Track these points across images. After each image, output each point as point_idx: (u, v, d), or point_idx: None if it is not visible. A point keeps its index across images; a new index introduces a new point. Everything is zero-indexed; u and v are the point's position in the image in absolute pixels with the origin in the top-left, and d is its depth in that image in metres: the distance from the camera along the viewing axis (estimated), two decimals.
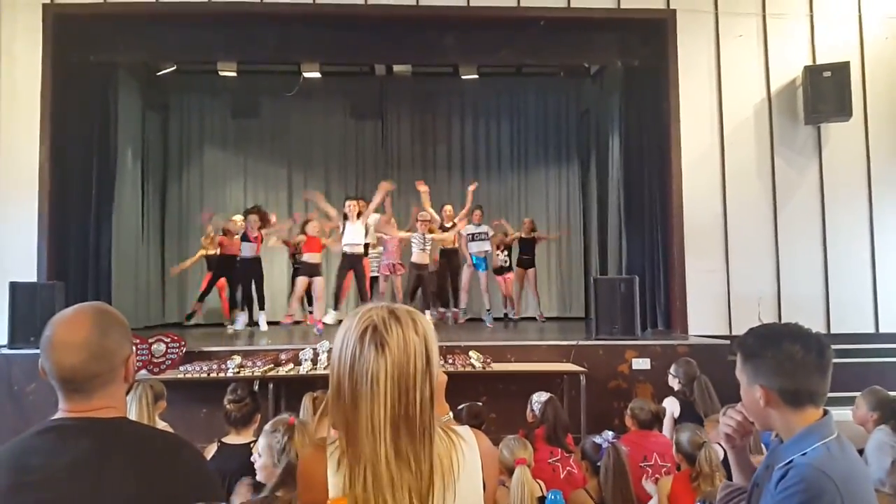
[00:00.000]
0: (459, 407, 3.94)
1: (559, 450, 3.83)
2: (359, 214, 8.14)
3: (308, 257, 8.49)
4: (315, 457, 1.40)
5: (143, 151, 10.56)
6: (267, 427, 2.71)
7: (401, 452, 1.32)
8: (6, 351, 6.68)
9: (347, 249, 8.12)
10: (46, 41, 7.76)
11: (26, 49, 7.74)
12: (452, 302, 9.65)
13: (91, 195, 8.09)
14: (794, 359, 1.59)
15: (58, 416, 1.47)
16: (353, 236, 8.11)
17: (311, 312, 8.88)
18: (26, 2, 7.75)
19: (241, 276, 9.11)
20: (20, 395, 6.31)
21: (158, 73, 10.14)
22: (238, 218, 9.60)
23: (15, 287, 6.92)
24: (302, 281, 8.54)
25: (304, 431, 2.42)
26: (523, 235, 10.19)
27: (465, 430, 1.46)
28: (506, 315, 10.48)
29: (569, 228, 11.79)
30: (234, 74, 9.95)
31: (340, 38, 8.36)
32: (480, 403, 4.12)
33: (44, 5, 7.76)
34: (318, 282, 8.51)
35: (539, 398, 4.27)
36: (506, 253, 10.30)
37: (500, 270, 10.34)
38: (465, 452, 1.40)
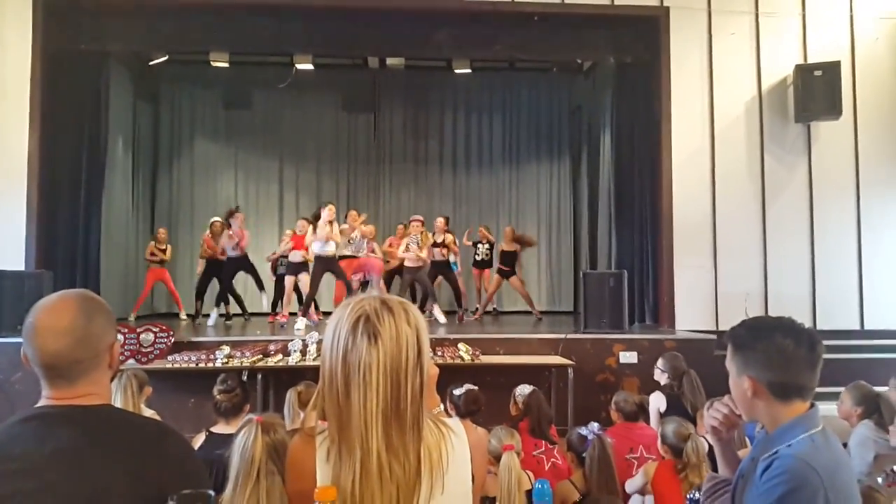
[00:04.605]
0: (457, 393, 3.94)
1: (543, 442, 3.84)
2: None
3: (294, 256, 8.64)
4: (304, 446, 1.40)
5: (133, 142, 10.52)
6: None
7: (391, 443, 1.32)
8: None
9: (320, 254, 8.08)
10: (36, 30, 7.70)
11: (16, 37, 7.67)
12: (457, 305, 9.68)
13: (80, 185, 8.06)
14: (784, 352, 1.60)
15: (41, 403, 1.45)
16: (320, 245, 8.04)
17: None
18: None
19: (228, 272, 9.18)
20: (6, 384, 6.27)
21: (150, 63, 10.07)
22: (217, 220, 9.61)
23: (2, 275, 6.89)
24: (290, 280, 8.67)
25: (272, 429, 2.37)
26: (504, 248, 10.01)
27: (455, 423, 1.46)
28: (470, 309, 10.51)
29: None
30: (226, 65, 9.89)
31: (333, 30, 8.35)
32: (476, 387, 4.10)
33: None
34: (304, 278, 8.63)
35: (522, 391, 4.28)
36: (487, 247, 10.32)
37: (479, 264, 10.44)
38: (454, 445, 1.40)
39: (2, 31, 7.70)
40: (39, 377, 1.46)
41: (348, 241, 8.61)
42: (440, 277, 9.59)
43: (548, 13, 8.12)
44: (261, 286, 9.36)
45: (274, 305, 9.74)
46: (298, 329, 7.51)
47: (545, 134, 12.56)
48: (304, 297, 8.34)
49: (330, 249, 8.05)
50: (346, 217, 9.10)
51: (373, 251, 9.04)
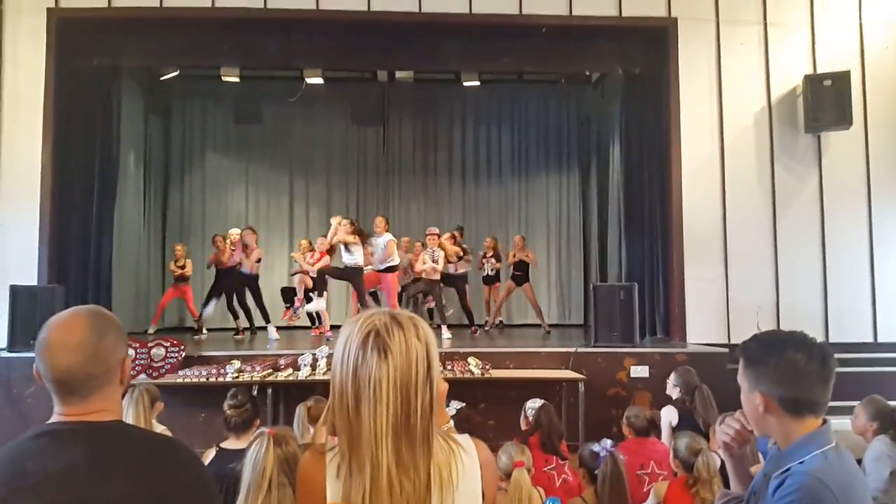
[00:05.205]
0: (450, 414, 3.92)
1: (554, 457, 3.81)
2: (356, 233, 8.21)
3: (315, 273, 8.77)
4: (314, 463, 1.40)
5: (145, 156, 10.61)
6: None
7: (401, 459, 1.31)
8: (5, 354, 6.70)
9: (348, 262, 8.31)
10: (50, 45, 7.78)
11: (30, 53, 7.76)
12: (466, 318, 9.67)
13: (93, 199, 8.11)
14: (796, 367, 1.58)
15: (53, 419, 1.46)
16: (350, 255, 8.28)
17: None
18: (31, 6, 7.79)
19: (238, 286, 9.21)
20: (19, 398, 6.32)
21: (162, 78, 10.16)
22: (234, 231, 9.66)
23: (15, 290, 6.93)
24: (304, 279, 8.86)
25: (284, 442, 2.38)
26: (517, 254, 10.11)
27: (465, 439, 1.46)
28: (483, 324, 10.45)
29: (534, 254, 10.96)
30: (236, 80, 9.97)
31: (343, 44, 8.40)
32: (464, 404, 4.07)
33: (48, 10, 7.78)
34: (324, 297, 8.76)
35: (533, 405, 4.25)
36: (494, 261, 10.34)
37: (488, 279, 10.47)
38: (464, 461, 1.39)
39: (16, 48, 7.80)
40: (51, 393, 1.47)
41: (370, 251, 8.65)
42: (451, 289, 9.60)
43: (556, 25, 8.13)
44: (266, 318, 9.24)
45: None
46: (310, 307, 7.81)
47: (554, 145, 12.57)
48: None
49: (359, 261, 8.21)
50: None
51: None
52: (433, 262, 8.61)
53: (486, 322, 10.18)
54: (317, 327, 9.41)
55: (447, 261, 9.04)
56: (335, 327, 8.44)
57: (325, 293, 8.54)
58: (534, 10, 8.09)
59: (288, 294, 9.86)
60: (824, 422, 1.62)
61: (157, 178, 11.36)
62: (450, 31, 8.32)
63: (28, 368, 6.05)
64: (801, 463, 1.54)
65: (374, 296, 9.52)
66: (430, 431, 1.35)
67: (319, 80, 10.01)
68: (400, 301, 8.71)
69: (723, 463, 1.95)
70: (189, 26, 8.12)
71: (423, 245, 9.36)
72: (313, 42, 8.41)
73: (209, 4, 7.91)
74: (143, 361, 6.13)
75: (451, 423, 1.82)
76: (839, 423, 1.82)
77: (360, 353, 1.33)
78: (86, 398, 1.45)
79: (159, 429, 3.93)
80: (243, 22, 8.04)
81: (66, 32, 7.88)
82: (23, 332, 6.67)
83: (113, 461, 1.39)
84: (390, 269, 8.67)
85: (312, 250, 9.21)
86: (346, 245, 8.22)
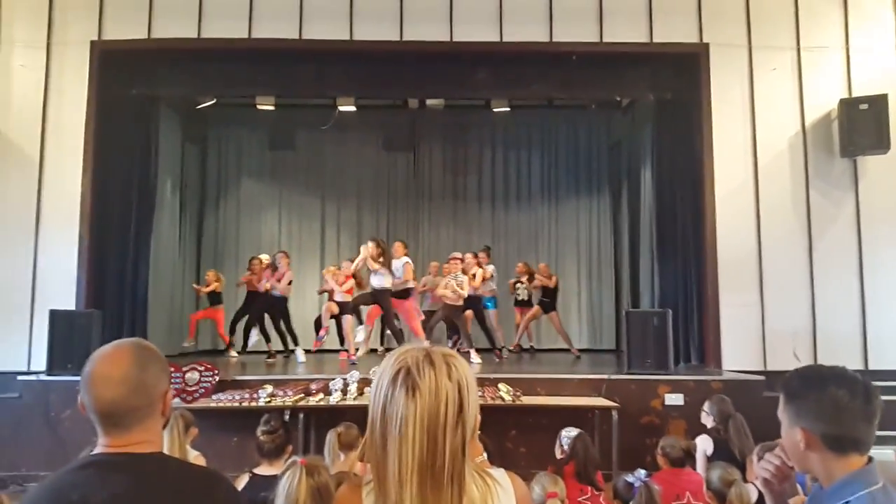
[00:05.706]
0: None
1: (589, 488, 3.76)
2: (379, 256, 8.29)
3: (338, 295, 8.94)
4: (351, 495, 1.40)
5: (181, 182, 10.81)
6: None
7: (426, 502, 1.29)
8: (44, 377, 6.82)
9: (376, 285, 8.37)
10: (92, 76, 8.02)
11: (74, 83, 8.01)
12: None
13: (130, 225, 8.29)
14: (838, 404, 1.55)
15: (97, 450, 1.50)
16: (378, 278, 8.37)
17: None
18: (76, 39, 8.04)
19: (260, 307, 9.35)
20: (57, 421, 6.42)
21: (198, 107, 10.38)
22: (264, 257, 9.80)
23: (54, 315, 7.06)
24: (327, 308, 9.06)
25: (316, 472, 2.40)
26: (543, 283, 10.15)
27: (500, 473, 1.44)
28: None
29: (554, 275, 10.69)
30: (271, 108, 10.16)
31: (375, 72, 8.51)
32: (479, 432, 4.04)
33: (92, 42, 8.04)
34: (347, 319, 8.79)
35: (568, 433, 4.20)
36: (525, 286, 10.32)
37: (521, 304, 10.47)
38: (500, 497, 1.38)
39: (61, 79, 8.05)
40: (95, 424, 1.51)
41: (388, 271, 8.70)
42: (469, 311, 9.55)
43: (586, 52, 8.16)
44: (294, 339, 9.40)
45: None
46: (358, 339, 8.11)
47: (584, 170, 12.55)
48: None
49: (386, 283, 8.28)
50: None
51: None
52: (455, 287, 8.58)
53: (510, 346, 10.12)
54: (345, 350, 9.48)
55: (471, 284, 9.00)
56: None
57: (363, 324, 8.59)
58: (564, 38, 8.12)
59: (317, 324, 9.96)
60: (870, 460, 1.57)
61: (193, 204, 11.57)
62: (480, 60, 8.37)
63: (66, 391, 6.15)
64: (846, 503, 1.50)
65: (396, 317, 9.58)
66: (461, 473, 1.31)
67: (352, 108, 10.17)
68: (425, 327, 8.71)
69: (759, 496, 1.92)
70: (226, 56, 8.31)
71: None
72: (347, 71, 8.55)
73: (246, 35, 8.09)
74: (177, 385, 6.19)
75: (484, 455, 1.80)
76: (880, 454, 1.78)
77: (389, 389, 1.32)
78: (129, 430, 1.49)
79: (193, 454, 3.97)
80: (279, 52, 8.20)
81: (107, 64, 8.10)
82: (61, 356, 6.79)
83: (154, 493, 1.42)
84: (405, 294, 8.61)
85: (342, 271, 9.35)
86: (372, 269, 8.27)
